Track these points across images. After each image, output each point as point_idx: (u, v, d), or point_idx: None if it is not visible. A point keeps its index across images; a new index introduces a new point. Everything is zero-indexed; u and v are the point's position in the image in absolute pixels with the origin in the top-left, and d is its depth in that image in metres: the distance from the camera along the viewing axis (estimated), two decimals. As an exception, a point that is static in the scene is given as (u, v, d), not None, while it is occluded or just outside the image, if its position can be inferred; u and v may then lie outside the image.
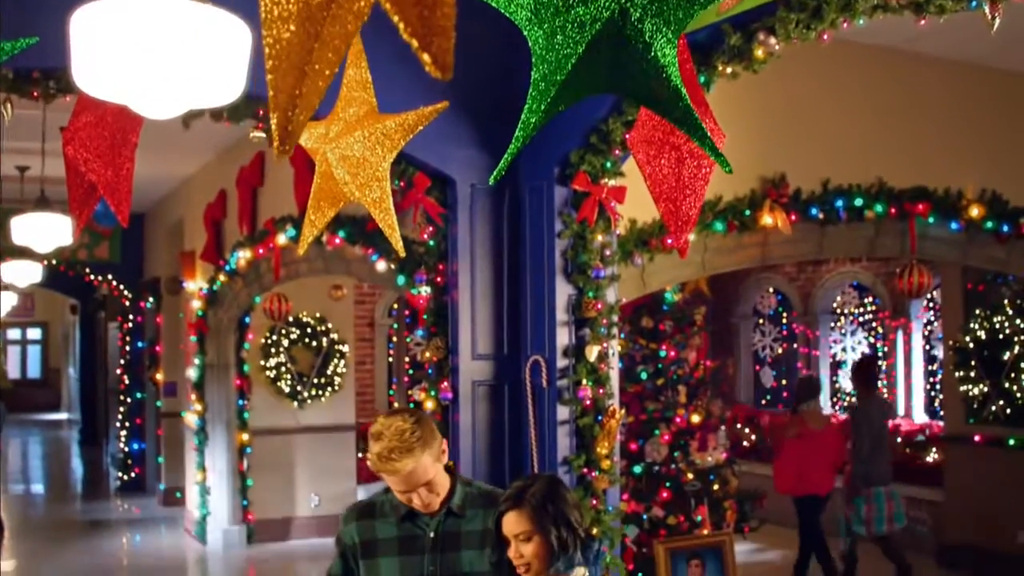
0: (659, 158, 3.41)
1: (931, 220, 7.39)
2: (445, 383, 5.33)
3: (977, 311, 10.46)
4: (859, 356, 12.97)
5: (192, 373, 11.98)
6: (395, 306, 14.28)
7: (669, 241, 6.60)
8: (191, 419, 12.21)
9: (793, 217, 6.90)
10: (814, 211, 7.03)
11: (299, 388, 12.39)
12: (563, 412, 5.17)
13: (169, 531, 13.07)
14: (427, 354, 5.47)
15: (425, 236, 5.61)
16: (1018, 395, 10.14)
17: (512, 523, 3.28)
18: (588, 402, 5.15)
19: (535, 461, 5.14)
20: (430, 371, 5.50)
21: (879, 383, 10.62)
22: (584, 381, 5.12)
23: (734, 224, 6.78)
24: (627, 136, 4.19)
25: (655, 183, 3.46)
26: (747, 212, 6.74)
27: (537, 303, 5.25)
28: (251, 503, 12.01)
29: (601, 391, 5.17)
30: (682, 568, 8.47)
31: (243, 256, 10.14)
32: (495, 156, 5.35)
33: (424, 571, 3.56)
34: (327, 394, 12.59)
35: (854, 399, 10.82)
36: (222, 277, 11.01)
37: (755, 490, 9.52)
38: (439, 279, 5.47)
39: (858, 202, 7.13)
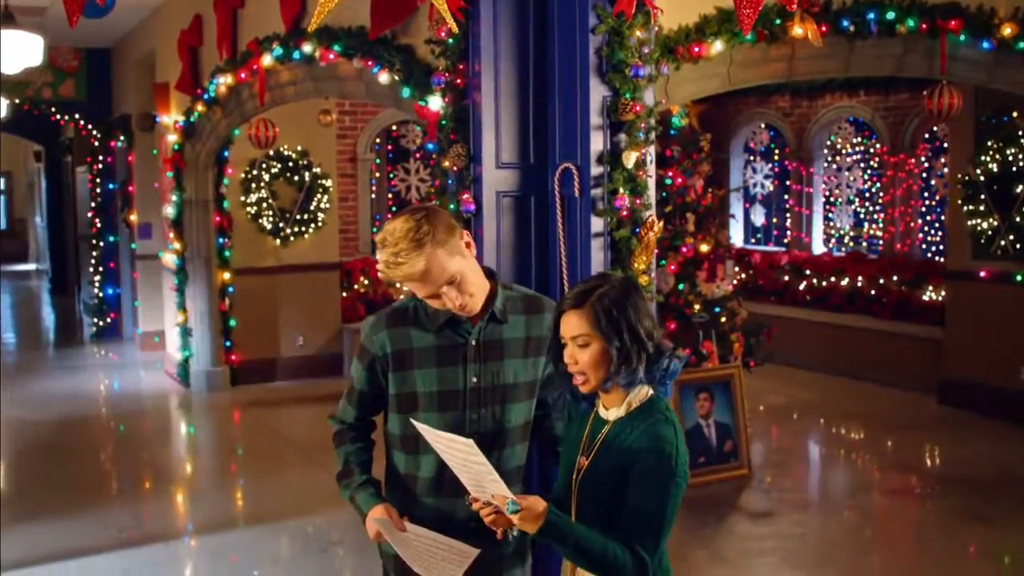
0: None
1: (962, 38, 6.97)
2: (466, 194, 4.90)
3: (989, 143, 10.08)
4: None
5: (169, 211, 11.49)
6: (377, 141, 13.76)
7: (696, 50, 6.18)
8: (169, 259, 11.78)
9: (823, 28, 6.45)
10: (845, 23, 6.60)
11: (281, 225, 11.96)
12: (597, 224, 4.75)
13: (149, 375, 12.72)
14: (446, 163, 5.03)
15: (443, 34, 5.11)
16: (1030, 230, 9.85)
17: (571, 324, 2.87)
18: (625, 212, 4.73)
19: (565, 278, 4.75)
20: (450, 181, 5.06)
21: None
22: (621, 190, 4.69)
23: (763, 33, 6.32)
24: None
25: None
26: (777, 21, 6.28)
27: (568, 106, 4.78)
28: (234, 344, 11.67)
29: (638, 201, 4.75)
30: (690, 401, 8.24)
31: (223, 82, 9.58)
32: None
33: (465, 383, 3.21)
34: (310, 231, 12.18)
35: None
36: (200, 107, 10.44)
37: (763, 323, 9.24)
38: (459, 81, 4.98)
39: (890, 15, 6.68)
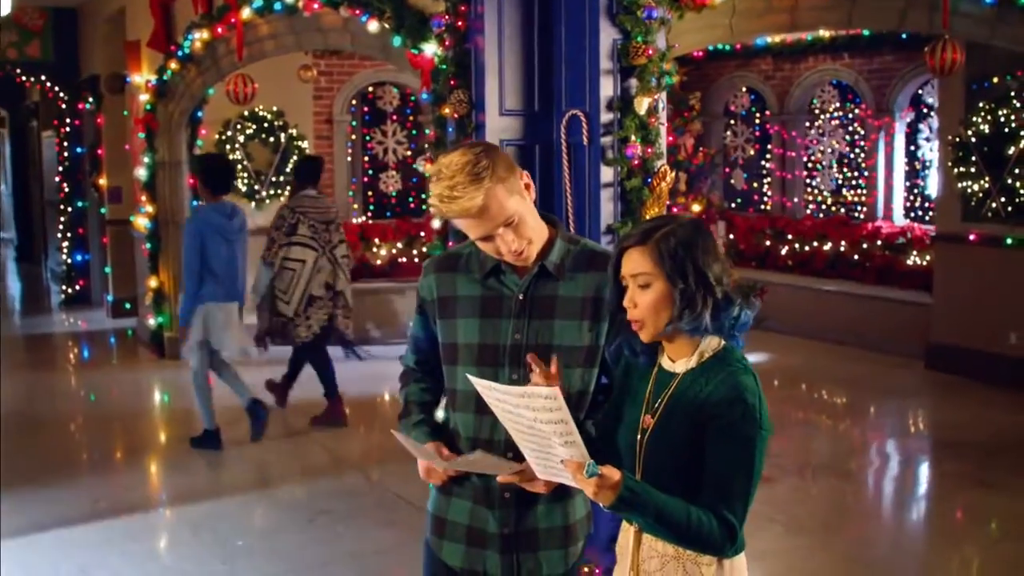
0: None
1: (964, -8, 6.81)
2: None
3: (980, 104, 9.92)
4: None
5: (141, 173, 11.17)
6: (354, 102, 13.45)
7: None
8: (142, 223, 11.46)
9: (827, -21, 6.27)
10: (847, -26, 6.40)
11: (256, 187, 11.68)
12: (607, 174, 4.53)
13: (121, 343, 12.43)
14: (446, 110, 4.78)
15: (443, -27, 4.87)
16: (1021, 191, 9.69)
17: (632, 262, 2.60)
18: (636, 161, 4.51)
19: (572, 230, 4.52)
20: (450, 129, 4.82)
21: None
22: (633, 137, 4.46)
23: (767, -18, 6.12)
24: None
25: None
26: (781, -31, 6.08)
27: (575, 49, 4.54)
28: (209, 310, 11.35)
29: (650, 150, 4.53)
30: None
31: (199, 38, 9.28)
32: None
33: (507, 338, 2.94)
34: (286, 193, 11.88)
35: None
36: (173, 65, 10.12)
37: (756, 283, 9.06)
38: (460, 23, 4.73)
39: (893, -33, 6.50)
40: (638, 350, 2.74)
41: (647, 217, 4.46)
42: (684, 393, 2.63)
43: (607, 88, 4.51)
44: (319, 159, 9.15)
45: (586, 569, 4.65)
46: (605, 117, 4.50)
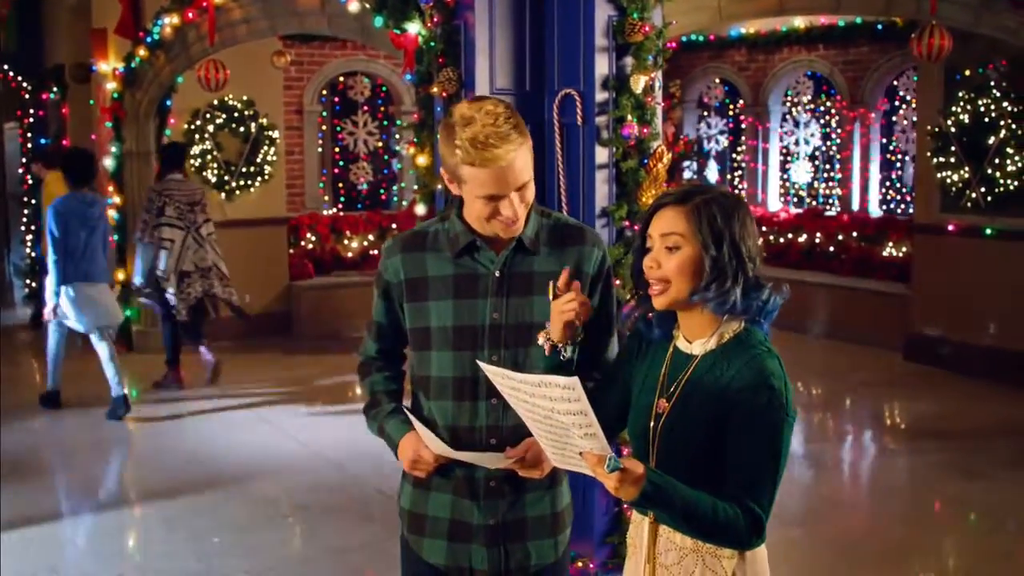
0: None
1: (952, -23, 6.73)
2: (457, 124, 4.49)
3: (960, 93, 9.84)
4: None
5: (108, 163, 10.92)
6: (324, 92, 13.24)
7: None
8: (109, 214, 11.18)
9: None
10: (836, -42, 6.28)
11: (226, 178, 11.45)
12: (601, 155, 4.37)
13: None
14: (434, 89, 4.61)
15: (431, -53, 4.70)
16: (1001, 181, 9.62)
17: (666, 220, 2.45)
18: (633, 142, 4.36)
19: (566, 214, 4.37)
20: (438, 109, 4.65)
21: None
22: (629, 117, 4.31)
23: (757, -37, 5.99)
24: None
25: None
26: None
27: (569, 26, 4.38)
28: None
29: (646, 130, 4.38)
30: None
31: (169, 23, 9.06)
32: None
33: (484, 318, 2.77)
34: (256, 184, 11.69)
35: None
36: (142, 52, 9.90)
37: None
38: (449, -1, 4.57)
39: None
40: (652, 322, 2.60)
41: (643, 200, 4.31)
42: (703, 376, 2.48)
43: (602, 66, 4.35)
44: (183, 145, 10.19)
45: (580, 564, 4.51)
46: (600, 96, 4.35)
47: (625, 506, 4.47)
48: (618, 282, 4.05)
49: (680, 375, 2.52)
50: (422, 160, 5.09)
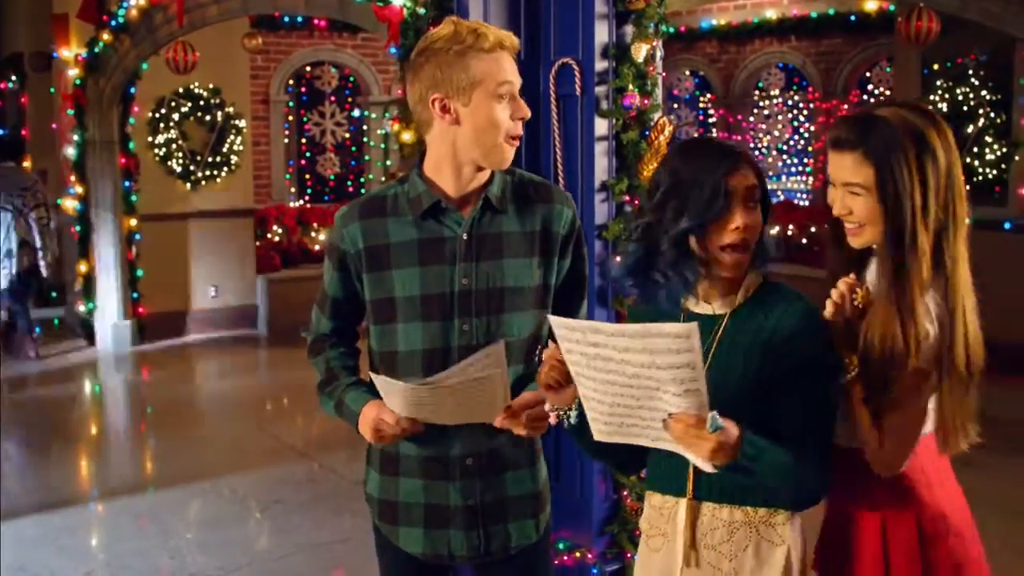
0: None
1: (938, -39, 6.61)
2: (449, 95, 4.29)
3: (938, 83, 9.75)
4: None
5: (70, 152, 10.63)
6: (291, 82, 13.00)
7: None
8: (71, 205, 10.91)
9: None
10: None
11: (192, 168, 11.18)
12: (601, 127, 4.19)
13: (49, 331, 11.85)
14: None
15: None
16: (980, 171, 9.54)
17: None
18: (634, 112, 4.17)
19: (563, 187, 4.18)
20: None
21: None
22: (630, 87, 4.13)
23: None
24: None
25: None
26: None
27: (567, -8, 4.21)
28: (142, 296, 10.88)
29: (647, 101, 4.19)
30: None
31: (135, 5, 8.78)
32: None
33: (454, 285, 2.57)
34: (223, 175, 11.42)
35: None
36: (105, 36, 9.61)
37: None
38: (441, -36, 4.39)
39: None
40: (663, 293, 2.35)
41: (644, 174, 4.13)
42: (737, 332, 2.33)
43: (602, 34, 4.16)
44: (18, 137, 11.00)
45: (577, 554, 4.32)
46: (600, 65, 4.16)
47: (625, 493, 4.29)
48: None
49: (708, 336, 2.33)
50: (407, 136, 4.90)
